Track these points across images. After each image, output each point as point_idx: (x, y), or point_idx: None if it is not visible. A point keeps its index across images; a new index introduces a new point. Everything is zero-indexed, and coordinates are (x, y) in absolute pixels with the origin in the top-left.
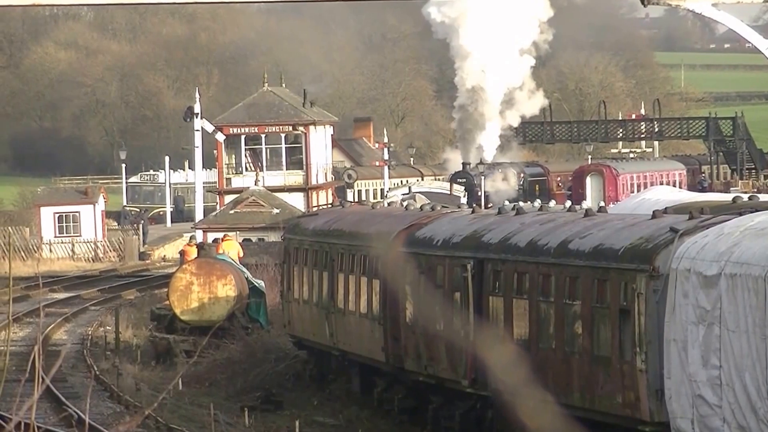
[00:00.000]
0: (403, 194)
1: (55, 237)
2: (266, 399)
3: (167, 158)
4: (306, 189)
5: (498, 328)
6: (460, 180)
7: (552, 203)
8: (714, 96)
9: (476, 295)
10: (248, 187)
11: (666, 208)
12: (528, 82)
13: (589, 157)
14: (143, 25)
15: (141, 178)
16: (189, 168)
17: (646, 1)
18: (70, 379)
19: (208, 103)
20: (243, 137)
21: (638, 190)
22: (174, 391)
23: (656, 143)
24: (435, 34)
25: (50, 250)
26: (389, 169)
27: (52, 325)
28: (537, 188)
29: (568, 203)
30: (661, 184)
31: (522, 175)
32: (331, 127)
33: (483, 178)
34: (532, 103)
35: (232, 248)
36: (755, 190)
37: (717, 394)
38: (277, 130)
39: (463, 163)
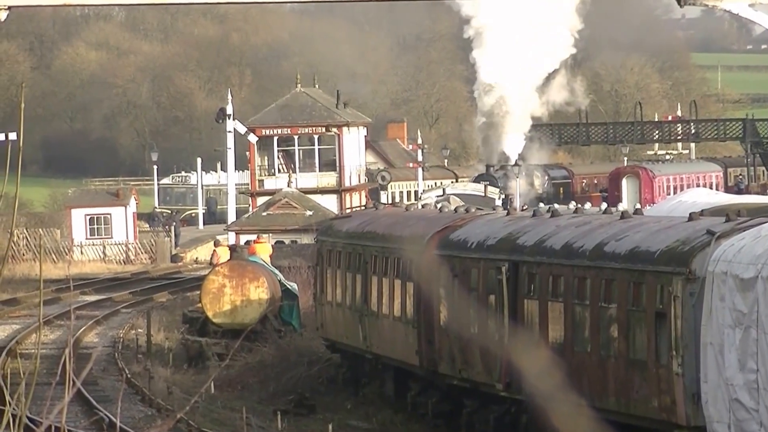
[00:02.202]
0: (437, 196)
1: (86, 239)
2: (299, 403)
3: (199, 160)
4: (339, 191)
5: (533, 332)
6: (483, 183)
7: (588, 205)
8: (751, 97)
9: (511, 299)
10: (281, 189)
11: (702, 211)
12: (561, 78)
13: (625, 159)
14: (175, 26)
15: (173, 179)
16: (221, 170)
17: (683, 2)
18: (102, 382)
19: (241, 105)
20: (276, 138)
21: (674, 192)
22: (206, 395)
23: (693, 145)
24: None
25: (81, 253)
26: (423, 170)
27: (83, 328)
28: (561, 191)
29: (604, 205)
30: (698, 186)
31: (546, 177)
32: (365, 129)
33: (507, 180)
34: (561, 93)
35: (264, 251)
36: None
37: (754, 398)
38: (310, 132)
39: (486, 165)
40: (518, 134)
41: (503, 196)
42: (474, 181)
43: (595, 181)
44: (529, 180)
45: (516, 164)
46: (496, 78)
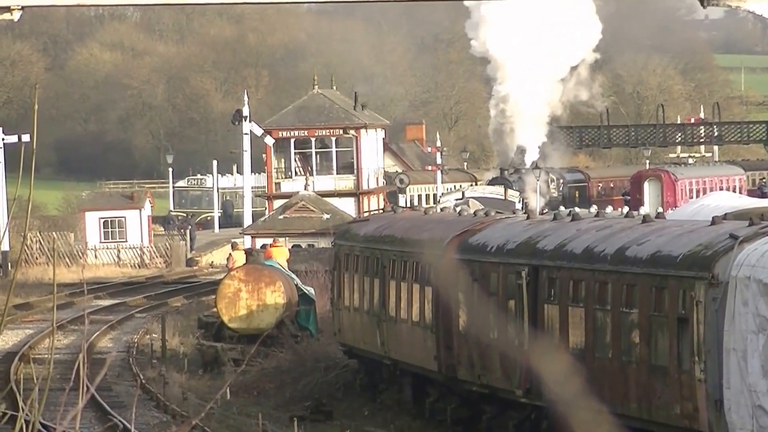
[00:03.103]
0: (457, 199)
1: (101, 243)
2: (316, 409)
3: (215, 162)
4: (357, 194)
5: (553, 337)
6: (497, 186)
7: (609, 209)
8: None
9: (531, 303)
10: (298, 192)
11: (726, 214)
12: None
13: (647, 162)
14: (190, 26)
15: (188, 182)
16: (237, 172)
17: (706, 3)
18: (116, 388)
19: (257, 106)
20: (292, 141)
21: (697, 196)
22: (221, 401)
23: (716, 148)
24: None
25: (95, 256)
26: (442, 173)
27: (97, 333)
28: (577, 194)
29: (626, 209)
30: (721, 189)
31: (561, 181)
32: (383, 131)
33: (521, 184)
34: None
35: (281, 255)
36: None
37: None
38: (328, 134)
39: (500, 168)
40: (535, 136)
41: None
42: (488, 185)
43: (612, 185)
44: (544, 184)
45: (536, 167)
46: (511, 84)
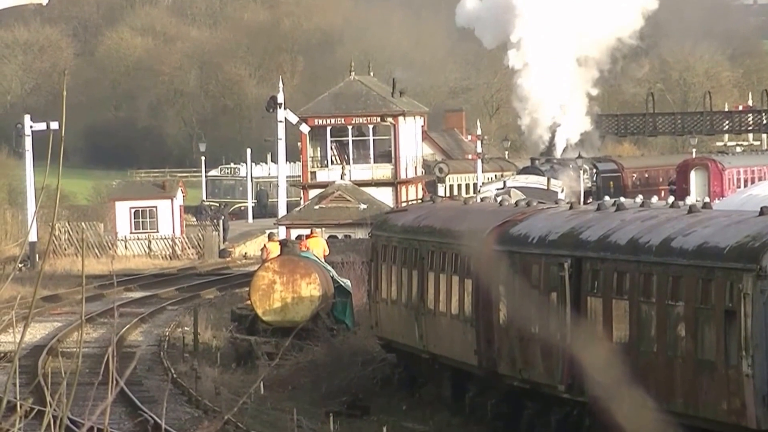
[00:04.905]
0: (497, 189)
1: (131, 233)
2: (352, 404)
3: (249, 151)
4: (395, 183)
5: (596, 331)
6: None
7: (654, 199)
8: None
9: (574, 296)
10: (334, 181)
11: None
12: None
13: (694, 150)
14: (224, 11)
15: (221, 171)
16: (272, 161)
17: None
18: (146, 382)
19: (292, 93)
20: (329, 129)
21: (745, 185)
22: (255, 396)
23: (764, 136)
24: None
25: (125, 247)
26: (482, 162)
27: (127, 326)
28: (611, 185)
29: (671, 199)
30: None
31: (594, 171)
32: (422, 118)
33: (553, 173)
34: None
35: (317, 245)
36: None
37: None
38: (365, 121)
39: (531, 158)
40: (573, 124)
41: (563, 190)
42: (519, 174)
43: (646, 175)
44: (576, 174)
45: (579, 156)
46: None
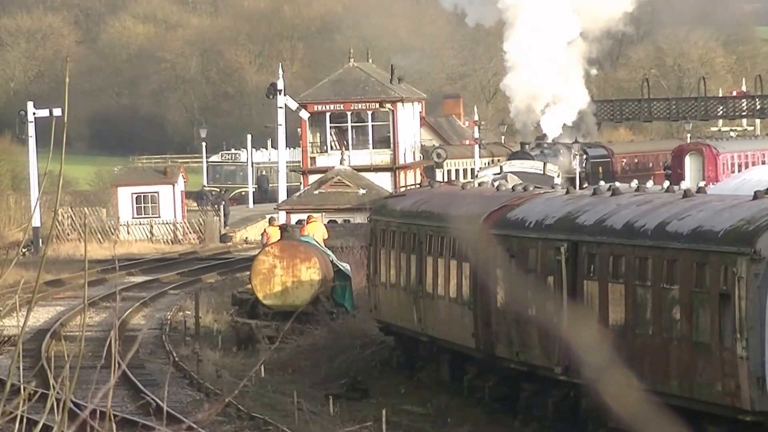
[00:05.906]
0: (495, 174)
1: (133, 218)
2: (352, 387)
3: (249, 137)
4: (393, 168)
5: (593, 314)
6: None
7: (649, 183)
8: None
9: (570, 279)
10: (333, 167)
11: None
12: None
13: (688, 135)
14: None
15: (222, 157)
16: (272, 147)
17: None
18: (148, 365)
19: (292, 80)
20: (328, 115)
21: (739, 170)
22: (256, 378)
23: (758, 121)
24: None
25: (128, 232)
26: (480, 147)
27: (130, 310)
28: (601, 170)
29: (666, 183)
30: (763, 163)
31: (585, 156)
32: (420, 104)
33: (543, 158)
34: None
35: (317, 230)
36: None
37: None
38: (364, 107)
39: (521, 143)
40: (563, 110)
41: (559, 175)
42: (508, 160)
43: (636, 160)
44: (566, 159)
45: (576, 141)
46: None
